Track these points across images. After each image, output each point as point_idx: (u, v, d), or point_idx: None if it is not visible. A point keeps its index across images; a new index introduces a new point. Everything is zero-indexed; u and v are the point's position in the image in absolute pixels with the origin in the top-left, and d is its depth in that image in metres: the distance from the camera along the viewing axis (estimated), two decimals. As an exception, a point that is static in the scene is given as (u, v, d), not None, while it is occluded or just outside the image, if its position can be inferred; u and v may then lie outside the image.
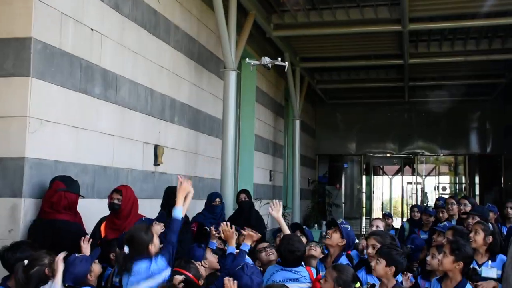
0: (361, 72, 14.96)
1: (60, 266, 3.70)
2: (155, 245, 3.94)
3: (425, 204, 10.32)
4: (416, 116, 18.25)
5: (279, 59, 8.12)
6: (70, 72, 5.40)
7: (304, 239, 5.05)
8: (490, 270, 4.68)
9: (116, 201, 5.08)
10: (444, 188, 22.89)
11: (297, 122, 13.32)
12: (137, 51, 6.66)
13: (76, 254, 3.92)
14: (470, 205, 7.01)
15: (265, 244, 5.10)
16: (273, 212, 4.83)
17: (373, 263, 4.13)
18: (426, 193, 23.21)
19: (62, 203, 4.69)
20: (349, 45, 11.75)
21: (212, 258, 4.55)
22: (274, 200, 4.52)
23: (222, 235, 4.53)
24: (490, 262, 4.73)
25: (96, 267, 4.00)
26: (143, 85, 6.79)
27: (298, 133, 13.38)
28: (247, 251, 4.31)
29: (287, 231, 4.75)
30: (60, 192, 4.70)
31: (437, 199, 9.52)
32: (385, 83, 15.41)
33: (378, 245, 4.43)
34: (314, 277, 4.21)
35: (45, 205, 4.77)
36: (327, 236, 4.73)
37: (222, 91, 8.06)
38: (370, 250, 4.48)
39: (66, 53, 5.35)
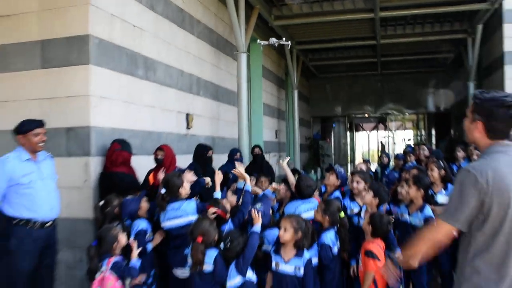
0: (344, 51, 14.84)
1: None
2: (185, 189, 4.02)
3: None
4: (387, 84, 18.17)
5: (284, 39, 8.25)
6: (119, 59, 5.44)
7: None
8: (443, 197, 4.77)
9: (159, 157, 5.17)
10: (409, 139, 22.87)
11: (295, 92, 13.24)
12: (169, 41, 6.66)
13: (128, 197, 3.99)
14: (427, 150, 7.10)
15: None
16: (283, 163, 4.94)
17: (364, 193, 4.24)
18: (384, 145, 23.31)
19: (119, 160, 4.79)
20: (334, 30, 11.62)
21: (232, 198, 4.58)
22: (283, 155, 4.54)
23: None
24: (443, 190, 4.81)
25: (144, 204, 4.06)
26: (174, 67, 6.81)
27: (297, 101, 13.31)
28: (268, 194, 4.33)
29: (291, 175, 4.75)
30: (117, 151, 4.80)
31: (405, 147, 9.65)
32: (362, 59, 15.29)
33: (362, 181, 4.52)
34: None
35: (107, 161, 4.89)
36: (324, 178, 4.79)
37: (236, 69, 8.07)
38: (354, 185, 4.57)
39: (115, 45, 5.37)
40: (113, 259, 3.34)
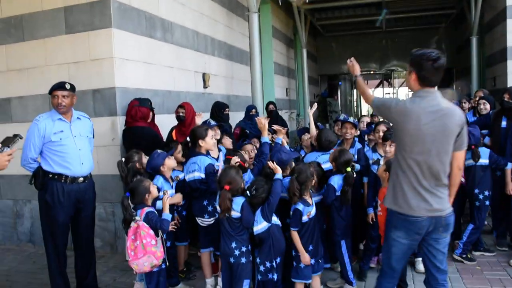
0: (350, 10, 14.41)
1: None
2: (206, 142, 3.97)
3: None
4: (391, 41, 17.80)
5: None
6: (138, 22, 5.38)
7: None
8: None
9: (181, 114, 5.18)
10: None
11: (304, 51, 13.02)
12: (184, 3, 6.54)
13: (158, 151, 3.91)
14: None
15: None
16: (310, 111, 4.83)
17: (388, 143, 4.19)
18: None
19: (138, 115, 4.77)
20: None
21: (250, 147, 4.63)
22: (312, 104, 4.39)
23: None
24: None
25: (170, 162, 3.90)
26: (190, 28, 6.72)
27: (306, 59, 13.13)
28: (280, 142, 4.22)
29: (313, 126, 4.72)
30: (135, 107, 4.78)
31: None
32: (368, 17, 14.91)
33: (385, 130, 4.42)
34: None
35: (127, 117, 4.91)
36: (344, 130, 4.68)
37: (247, 30, 7.93)
38: (381, 134, 4.47)
39: (134, 8, 5.30)
40: (146, 209, 3.39)
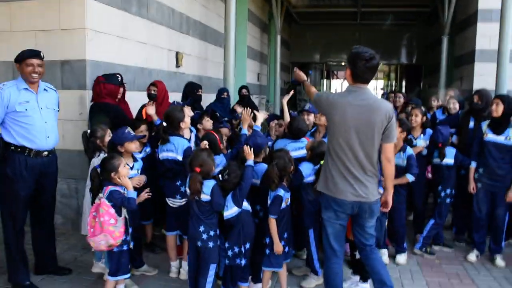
0: (327, 0, 14.45)
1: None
2: (185, 123, 3.92)
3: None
4: (364, 34, 17.93)
5: None
6: (114, -7, 5.20)
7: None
8: (422, 141, 4.88)
9: (153, 92, 5.06)
10: (382, 88, 22.99)
11: (278, 37, 12.98)
12: (162, -22, 6.38)
13: (126, 130, 3.70)
14: (403, 97, 7.17)
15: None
16: (284, 99, 4.79)
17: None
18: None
19: (103, 92, 4.59)
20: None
21: (226, 131, 4.65)
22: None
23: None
24: (422, 135, 4.91)
25: (130, 146, 3.67)
26: (166, 5, 6.55)
27: (279, 46, 13.10)
28: (258, 129, 4.12)
29: (287, 114, 4.68)
30: (101, 83, 4.60)
31: (381, 94, 9.73)
32: (343, 8, 15.00)
33: None
34: None
35: (93, 93, 4.72)
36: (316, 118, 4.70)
37: (223, 11, 7.80)
38: None
39: (110, -22, 5.11)
40: (110, 187, 3.29)
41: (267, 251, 3.54)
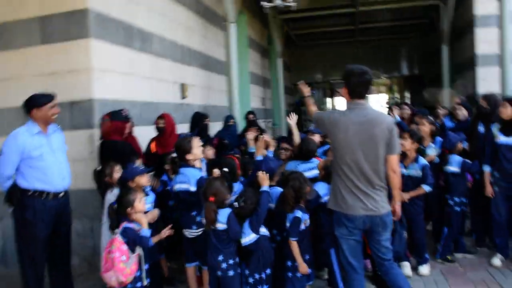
0: (323, 20, 14.61)
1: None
2: (194, 154, 3.88)
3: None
4: (364, 50, 18.07)
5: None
6: (116, 32, 5.29)
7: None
8: (433, 150, 4.87)
9: (161, 125, 5.12)
10: (387, 102, 23.03)
11: (280, 61, 13.13)
12: (162, 13, 6.49)
13: (136, 165, 3.78)
14: (408, 109, 7.15)
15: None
16: (291, 121, 4.72)
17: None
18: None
19: (110, 128, 4.59)
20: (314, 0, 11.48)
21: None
22: (292, 113, 4.51)
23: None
24: (432, 144, 4.89)
25: (141, 179, 3.64)
26: (168, 38, 6.66)
27: (281, 69, 13.21)
28: (271, 155, 4.23)
29: (297, 134, 4.64)
30: (106, 122, 4.60)
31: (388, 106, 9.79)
32: (341, 27, 15.19)
33: None
34: None
35: (101, 131, 4.74)
36: None
37: (223, 39, 7.93)
38: None
39: (112, 19, 5.21)
40: (124, 224, 3.27)
41: (290, 275, 3.49)
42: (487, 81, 9.32)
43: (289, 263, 3.50)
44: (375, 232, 3.13)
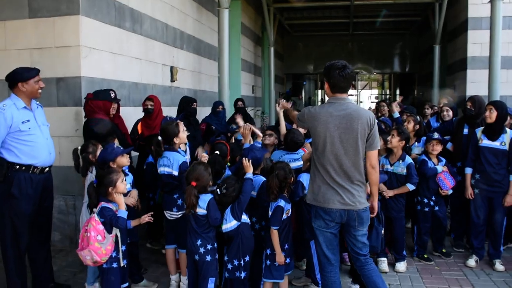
0: (318, 11, 14.54)
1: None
2: (180, 138, 3.89)
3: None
4: (357, 44, 18.18)
5: None
6: (107, 11, 5.23)
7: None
8: (418, 149, 4.92)
9: (149, 106, 5.10)
10: (376, 98, 23.13)
11: (272, 49, 13.07)
12: (155, -6, 6.43)
13: (115, 145, 3.72)
14: (399, 106, 7.18)
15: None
16: (278, 108, 4.61)
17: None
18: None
19: (94, 107, 4.51)
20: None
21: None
22: (281, 100, 4.50)
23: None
24: (416, 143, 4.94)
25: (122, 160, 3.63)
26: (160, 20, 6.60)
27: (273, 58, 13.17)
28: (259, 145, 4.19)
29: (283, 125, 4.62)
30: (90, 100, 4.53)
31: (376, 103, 9.84)
32: (335, 19, 15.14)
33: None
34: None
35: (84, 110, 4.64)
36: None
37: (217, 25, 7.88)
38: None
39: (104, -4, 5.15)
40: (101, 204, 3.25)
41: (268, 263, 3.53)
42: (476, 83, 9.43)
43: (268, 251, 3.52)
44: (351, 227, 3.14)
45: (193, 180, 3.31)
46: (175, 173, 3.79)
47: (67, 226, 5.11)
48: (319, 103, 21.68)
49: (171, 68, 6.96)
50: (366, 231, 3.22)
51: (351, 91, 23.66)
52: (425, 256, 4.76)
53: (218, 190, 3.38)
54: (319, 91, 21.53)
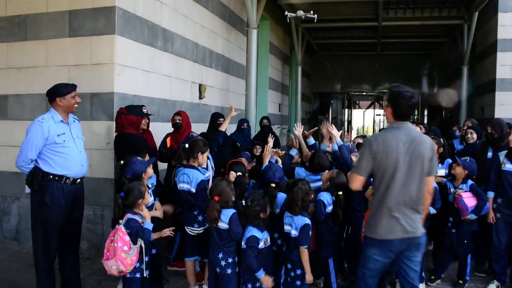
0: (346, 32, 14.67)
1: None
2: (203, 157, 4.02)
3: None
4: (385, 64, 18.12)
5: (311, 12, 8.22)
6: (141, 30, 5.47)
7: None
8: (441, 171, 4.90)
9: (178, 121, 5.23)
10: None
11: (299, 68, 13.21)
12: (186, 15, 6.65)
13: (139, 158, 3.84)
14: (424, 129, 7.17)
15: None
16: (296, 131, 4.77)
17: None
18: None
19: (124, 122, 4.67)
20: (338, 11, 11.53)
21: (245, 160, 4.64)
22: (297, 122, 4.58)
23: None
24: (440, 165, 4.92)
25: (150, 171, 3.83)
26: (190, 40, 6.83)
27: (300, 77, 13.30)
28: (274, 161, 4.31)
29: (304, 145, 4.72)
30: (123, 115, 4.68)
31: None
32: (363, 40, 15.20)
33: None
34: None
35: (116, 124, 4.83)
36: None
37: (245, 44, 8.06)
38: None
39: (138, 17, 5.39)
40: (128, 215, 3.36)
41: (298, 283, 3.54)
42: (505, 106, 9.30)
43: (289, 266, 3.56)
44: (408, 254, 2.98)
45: (216, 195, 3.43)
46: (193, 190, 3.89)
47: (94, 235, 5.28)
48: (346, 122, 21.65)
49: (200, 85, 7.15)
50: (421, 258, 3.09)
51: (377, 111, 23.57)
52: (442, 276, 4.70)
53: (243, 201, 3.47)
54: (346, 110, 21.47)
